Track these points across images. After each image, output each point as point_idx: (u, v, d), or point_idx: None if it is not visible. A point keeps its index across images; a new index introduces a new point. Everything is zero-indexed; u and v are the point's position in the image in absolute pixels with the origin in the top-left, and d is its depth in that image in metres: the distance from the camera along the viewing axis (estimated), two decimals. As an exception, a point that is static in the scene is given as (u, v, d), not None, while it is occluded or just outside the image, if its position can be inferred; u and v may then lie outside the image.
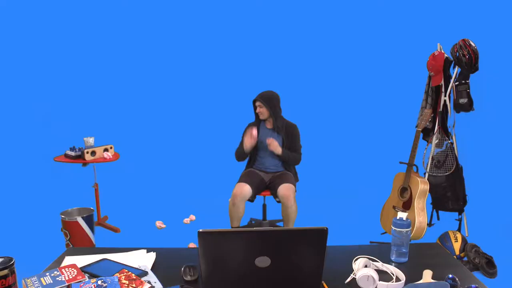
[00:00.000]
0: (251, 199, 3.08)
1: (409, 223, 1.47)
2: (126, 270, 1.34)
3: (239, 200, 2.94)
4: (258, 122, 3.20)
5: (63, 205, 4.24)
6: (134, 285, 1.25)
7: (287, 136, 3.10)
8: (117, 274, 1.32)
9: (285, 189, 2.93)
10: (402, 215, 1.48)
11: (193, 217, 3.83)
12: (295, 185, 3.06)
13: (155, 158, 5.07)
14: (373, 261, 1.45)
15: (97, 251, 1.57)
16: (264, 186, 3.15)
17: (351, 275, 1.33)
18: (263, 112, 3.06)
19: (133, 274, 1.32)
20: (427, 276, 1.29)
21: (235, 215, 2.99)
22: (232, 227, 3.07)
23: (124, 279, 1.28)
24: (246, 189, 2.96)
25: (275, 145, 2.97)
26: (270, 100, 3.04)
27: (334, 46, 4.88)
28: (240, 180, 3.05)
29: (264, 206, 3.44)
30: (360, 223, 3.72)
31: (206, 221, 3.84)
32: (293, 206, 2.93)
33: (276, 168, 3.18)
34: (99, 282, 1.23)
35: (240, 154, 3.15)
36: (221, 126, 4.98)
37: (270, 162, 3.16)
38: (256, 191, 3.06)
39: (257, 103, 3.07)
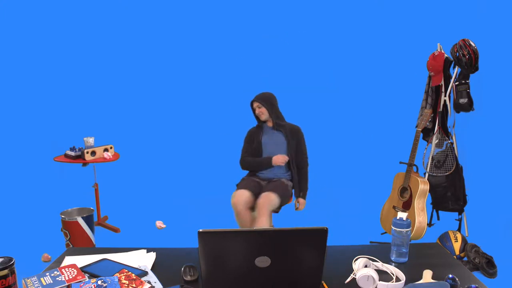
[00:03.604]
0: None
1: (409, 223, 1.47)
2: (126, 270, 1.34)
3: (242, 208, 2.70)
4: (260, 125, 3.09)
5: (63, 205, 4.24)
6: (134, 285, 1.25)
7: (292, 139, 3.00)
8: (117, 274, 1.31)
9: (262, 197, 2.68)
10: (402, 215, 1.48)
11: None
12: (280, 195, 2.76)
13: (155, 158, 5.07)
14: (373, 261, 1.45)
15: (97, 251, 1.57)
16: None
17: (351, 275, 1.33)
18: (263, 111, 2.97)
19: (133, 274, 1.32)
20: (427, 276, 1.29)
21: (244, 224, 2.74)
22: None
23: (124, 279, 1.28)
24: (245, 194, 2.74)
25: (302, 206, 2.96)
26: (267, 99, 2.98)
27: (335, 46, 4.88)
28: (238, 188, 2.84)
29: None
30: (360, 223, 3.72)
31: (206, 221, 3.84)
32: (263, 219, 2.62)
33: (278, 176, 2.99)
34: (99, 282, 1.23)
35: (257, 169, 3.01)
36: (221, 126, 4.98)
37: (275, 169, 3.00)
38: (255, 197, 2.83)
39: (255, 104, 2.99)
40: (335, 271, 1.40)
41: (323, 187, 4.81)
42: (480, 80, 4.64)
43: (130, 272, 1.32)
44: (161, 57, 4.91)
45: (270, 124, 3.07)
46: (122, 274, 1.31)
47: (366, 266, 1.36)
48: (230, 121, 4.99)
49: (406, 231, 1.47)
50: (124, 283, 1.25)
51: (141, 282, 1.27)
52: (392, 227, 1.49)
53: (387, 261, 1.48)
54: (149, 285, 1.26)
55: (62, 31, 4.77)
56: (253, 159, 3.00)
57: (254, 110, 3.06)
